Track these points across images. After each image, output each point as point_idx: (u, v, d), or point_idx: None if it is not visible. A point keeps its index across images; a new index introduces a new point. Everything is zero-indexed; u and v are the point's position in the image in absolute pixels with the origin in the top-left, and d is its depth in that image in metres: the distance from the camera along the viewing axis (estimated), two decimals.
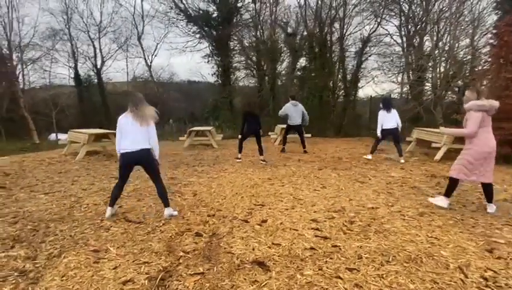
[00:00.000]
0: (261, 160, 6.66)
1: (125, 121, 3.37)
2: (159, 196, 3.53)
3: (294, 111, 7.81)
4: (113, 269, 2.38)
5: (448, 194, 3.74)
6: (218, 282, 2.20)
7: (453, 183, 3.70)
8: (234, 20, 16.26)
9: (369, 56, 16.36)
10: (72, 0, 18.20)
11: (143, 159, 3.43)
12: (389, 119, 6.58)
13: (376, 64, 16.28)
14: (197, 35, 17.17)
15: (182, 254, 2.62)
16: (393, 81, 14.45)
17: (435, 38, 12.22)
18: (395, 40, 15.66)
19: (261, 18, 15.86)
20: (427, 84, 12.61)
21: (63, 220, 3.38)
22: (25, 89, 17.16)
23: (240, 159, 6.91)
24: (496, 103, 3.42)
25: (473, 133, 3.45)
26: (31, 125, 15.42)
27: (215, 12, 16.52)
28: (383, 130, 6.63)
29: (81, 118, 18.14)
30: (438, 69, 10.76)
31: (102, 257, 2.56)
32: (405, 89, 13.98)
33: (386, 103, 6.73)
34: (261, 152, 6.71)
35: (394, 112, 6.61)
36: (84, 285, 2.16)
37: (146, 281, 2.22)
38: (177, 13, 17.07)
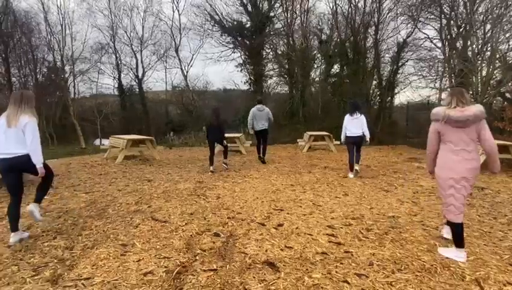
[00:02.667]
0: (224, 162, 6.88)
1: (1, 122, 2.92)
2: (36, 189, 3.21)
3: (259, 116, 7.42)
4: (137, 261, 2.62)
5: (457, 244, 2.66)
6: (228, 279, 2.35)
7: (453, 227, 2.71)
8: (266, 30, 16.61)
9: (406, 61, 15.81)
10: (117, 17, 19.71)
11: (20, 166, 2.95)
12: (352, 126, 5.87)
13: (413, 69, 15.63)
14: (231, 45, 17.77)
15: (199, 251, 2.81)
16: (431, 87, 13.77)
17: (479, 41, 11.54)
18: (434, 44, 15.00)
19: (292, 27, 16.02)
20: (470, 89, 11.90)
21: (99, 217, 3.73)
22: (74, 98, 18.82)
23: (212, 171, 6.49)
24: (456, 114, 2.50)
25: (429, 151, 2.78)
26: (78, 131, 16.86)
27: (248, 23, 17.02)
28: (347, 137, 5.96)
29: (123, 124, 19.44)
30: (479, 74, 10.14)
31: (129, 251, 2.83)
32: (444, 95, 13.24)
33: (352, 107, 6.03)
34: (211, 160, 6.63)
35: (361, 118, 5.85)
36: (111, 274, 2.42)
37: (164, 274, 2.42)
38: (213, 25, 17.85)
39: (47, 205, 4.21)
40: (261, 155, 7.74)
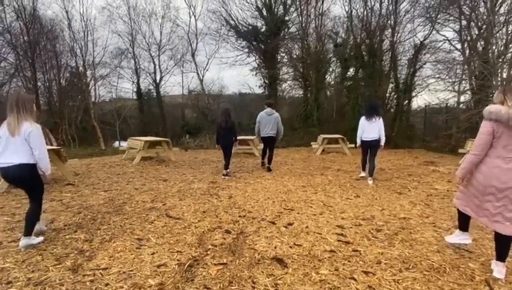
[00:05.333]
0: (223, 174, 6.23)
1: (2, 131, 2.79)
2: (25, 217, 2.94)
3: (267, 121, 6.67)
4: (151, 254, 2.75)
5: (460, 226, 2.78)
6: (237, 272, 2.43)
7: (459, 213, 2.75)
8: (281, 34, 16.71)
9: (424, 64, 15.52)
10: (136, 23, 20.34)
11: (17, 177, 2.84)
12: (368, 130, 5.57)
13: (430, 71, 15.30)
14: (246, 50, 17.97)
15: (210, 246, 2.91)
16: (449, 90, 13.44)
17: (501, 42, 11.22)
18: (454, 46, 14.65)
19: (307, 30, 16.06)
20: (489, 92, 11.56)
21: (116, 213, 3.91)
22: (95, 102, 19.52)
23: (225, 176, 6.22)
24: None
25: (477, 155, 2.40)
26: (99, 133, 17.45)
27: (263, 27, 17.18)
28: (362, 141, 5.70)
29: (141, 127, 19.96)
30: (499, 76, 9.86)
31: (144, 244, 2.96)
32: (463, 98, 12.93)
33: (368, 110, 5.70)
34: (226, 165, 6.31)
35: (378, 121, 5.54)
36: (126, 265, 2.55)
37: (176, 266, 2.53)
38: (228, 30, 18.12)
39: (68, 202, 4.43)
40: (267, 163, 7.06)
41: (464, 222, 2.76)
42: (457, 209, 2.72)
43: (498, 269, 2.39)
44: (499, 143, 2.31)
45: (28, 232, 2.91)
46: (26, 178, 2.86)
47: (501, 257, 2.41)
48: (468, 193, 2.55)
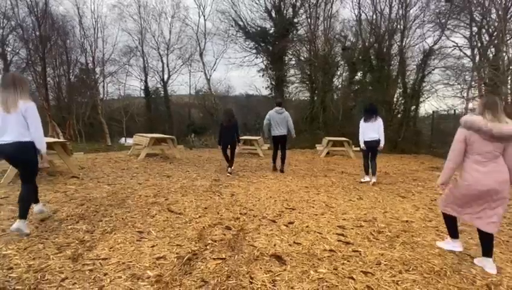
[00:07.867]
0: (228, 172, 6.34)
1: None
2: (18, 200, 2.96)
3: (277, 119, 6.65)
4: (151, 247, 2.76)
5: (451, 233, 2.86)
6: (236, 267, 2.43)
7: (445, 219, 2.87)
8: (289, 36, 16.72)
9: (433, 70, 15.38)
10: (146, 22, 20.57)
11: (13, 154, 2.84)
12: (368, 130, 5.62)
13: (439, 77, 15.15)
14: (254, 51, 18.01)
15: (210, 241, 2.91)
16: (458, 96, 13.29)
17: (510, 50, 11.08)
18: (464, 53, 14.49)
19: (315, 33, 16.04)
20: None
21: (119, 206, 3.94)
22: (103, 98, 19.72)
23: (229, 173, 6.36)
24: (496, 128, 2.34)
25: (452, 162, 2.64)
26: (105, 129, 17.62)
27: (272, 29, 17.21)
28: (364, 142, 5.71)
29: (148, 125, 20.14)
30: (508, 83, 9.73)
31: (144, 237, 2.98)
32: (471, 104, 12.76)
33: (366, 111, 5.78)
34: (231, 163, 6.42)
35: (376, 122, 5.60)
36: (126, 256, 2.57)
37: (175, 259, 2.54)
38: (237, 30, 18.19)
39: (72, 194, 4.48)
40: (280, 165, 6.91)
41: (452, 228, 2.84)
42: (443, 215, 2.86)
43: (490, 265, 2.50)
44: (473, 150, 2.51)
45: (21, 214, 2.88)
46: (21, 155, 2.85)
47: (488, 253, 2.55)
48: (451, 196, 2.72)
